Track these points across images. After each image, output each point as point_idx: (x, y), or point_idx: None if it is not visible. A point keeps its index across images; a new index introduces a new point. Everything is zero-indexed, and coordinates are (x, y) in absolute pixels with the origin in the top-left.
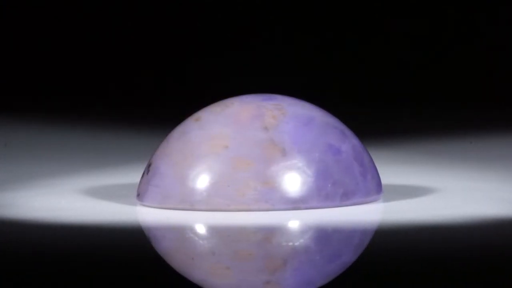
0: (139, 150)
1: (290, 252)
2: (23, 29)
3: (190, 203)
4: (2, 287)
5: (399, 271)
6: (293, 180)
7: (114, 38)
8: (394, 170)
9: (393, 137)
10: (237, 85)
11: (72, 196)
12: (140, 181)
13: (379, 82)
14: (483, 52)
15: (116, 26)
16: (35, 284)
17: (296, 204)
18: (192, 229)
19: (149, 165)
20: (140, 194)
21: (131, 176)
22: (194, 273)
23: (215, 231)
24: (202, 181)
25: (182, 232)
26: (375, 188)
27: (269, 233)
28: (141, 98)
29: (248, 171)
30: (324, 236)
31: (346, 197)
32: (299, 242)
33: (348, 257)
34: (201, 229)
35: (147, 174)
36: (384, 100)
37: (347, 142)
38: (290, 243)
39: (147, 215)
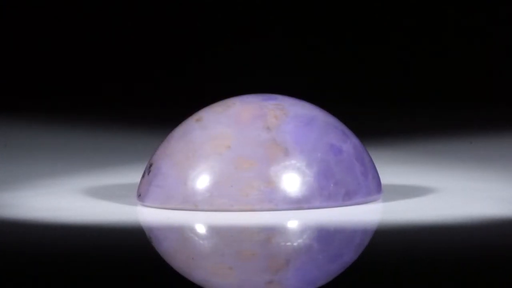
0: (139, 150)
1: (292, 252)
2: (23, 29)
3: (193, 203)
4: (2, 287)
5: (399, 271)
6: (296, 180)
7: (114, 38)
8: (394, 170)
9: (393, 137)
10: (237, 85)
11: (72, 196)
12: (141, 182)
13: (379, 82)
14: (483, 52)
15: (116, 26)
16: (35, 284)
17: (299, 204)
18: (195, 230)
19: (150, 166)
20: (142, 195)
21: (131, 176)
22: (197, 273)
23: (219, 231)
24: (205, 181)
25: (185, 232)
26: (375, 188)
27: (272, 233)
28: (141, 98)
29: (251, 171)
30: (326, 236)
31: (348, 197)
32: (301, 242)
33: (349, 257)
34: (204, 229)
35: (148, 174)
36: (384, 100)
37: (348, 142)
38: (293, 243)
39: (149, 215)
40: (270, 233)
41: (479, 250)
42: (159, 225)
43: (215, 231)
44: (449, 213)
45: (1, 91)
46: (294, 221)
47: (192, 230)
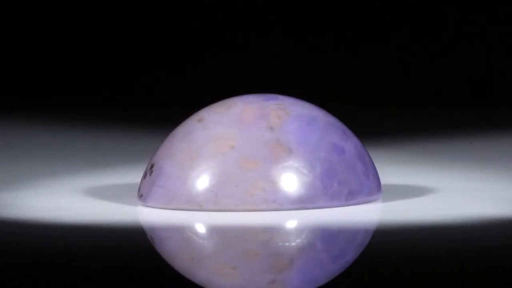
0: (139, 150)
1: (295, 251)
2: (23, 29)
3: (197, 203)
4: (2, 287)
5: (399, 271)
6: (301, 180)
7: (114, 38)
8: (394, 170)
9: (393, 137)
10: (236, 85)
11: (72, 196)
12: (142, 182)
13: (379, 82)
14: (483, 52)
15: (116, 26)
16: (35, 284)
17: (303, 204)
18: (199, 230)
19: (151, 166)
20: (144, 195)
21: (131, 176)
22: (201, 273)
23: (223, 231)
24: (209, 181)
25: (188, 232)
26: (376, 188)
27: (276, 233)
28: (141, 98)
29: (255, 171)
30: (328, 236)
31: (351, 196)
32: (304, 242)
33: (350, 257)
34: (209, 229)
35: (150, 175)
36: (384, 100)
37: (349, 142)
38: (296, 243)
39: (149, 215)
40: (274, 233)
41: (479, 250)
42: (160, 225)
43: (220, 231)
44: (449, 213)
45: (1, 91)
46: (297, 221)
47: (196, 230)
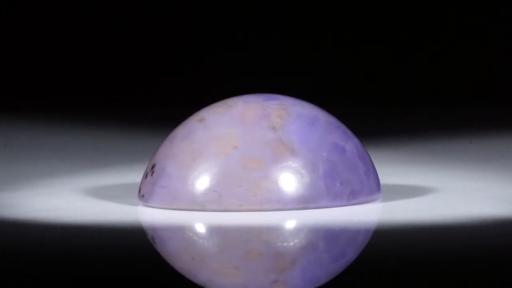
0: (139, 150)
1: (298, 251)
2: (23, 29)
3: (201, 203)
4: (2, 287)
5: (398, 271)
6: (303, 180)
7: (114, 38)
8: (393, 170)
9: (393, 137)
10: (236, 85)
11: (72, 196)
12: (143, 182)
13: (379, 82)
14: (483, 52)
15: (116, 26)
16: (35, 284)
17: (306, 204)
18: (202, 230)
19: (152, 166)
20: (145, 195)
21: (131, 176)
22: (204, 273)
23: (227, 231)
24: (213, 181)
25: (191, 233)
26: (376, 187)
27: (279, 233)
28: (141, 98)
29: (259, 171)
30: (328, 236)
31: (353, 196)
32: (306, 241)
33: (350, 257)
34: (213, 229)
35: (151, 175)
36: (384, 100)
37: (349, 141)
38: (298, 243)
39: (152, 216)
40: (276, 233)
41: (479, 250)
42: (162, 226)
43: (224, 231)
44: (449, 213)
45: (1, 91)
46: (300, 221)
47: (198, 230)
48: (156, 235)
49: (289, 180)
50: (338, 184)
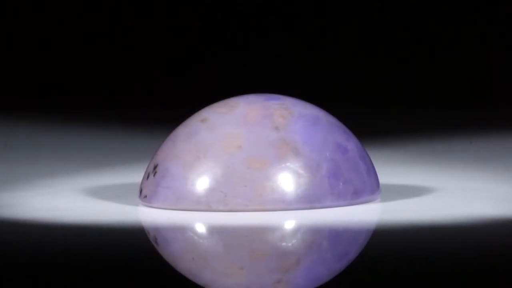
0: (139, 150)
1: (301, 251)
2: (23, 29)
3: (206, 204)
4: (2, 287)
5: (398, 271)
6: (308, 180)
7: (114, 38)
8: (394, 170)
9: (393, 137)
10: (236, 85)
11: (72, 196)
12: (145, 183)
13: (379, 82)
14: (483, 52)
15: (116, 26)
16: (35, 284)
17: (311, 203)
18: (209, 230)
19: (154, 167)
20: (148, 196)
21: (131, 176)
22: (208, 273)
23: (233, 231)
24: (218, 181)
25: (196, 233)
26: (376, 186)
27: (283, 233)
28: (141, 98)
29: (263, 171)
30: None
31: (356, 195)
32: (310, 241)
33: (351, 257)
34: (218, 229)
35: (154, 175)
36: (384, 100)
37: (351, 141)
38: (301, 243)
39: (153, 216)
40: (281, 232)
41: (479, 250)
42: (164, 226)
43: (229, 231)
44: (449, 213)
45: (1, 91)
46: (303, 221)
47: (204, 230)
48: (159, 235)
49: (294, 180)
50: (341, 184)
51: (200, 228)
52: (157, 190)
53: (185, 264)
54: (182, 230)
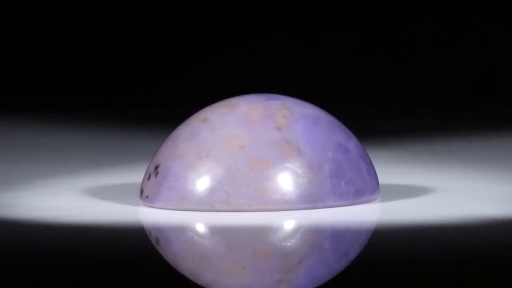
0: (139, 150)
1: (303, 251)
2: (23, 29)
3: (210, 204)
4: (2, 287)
5: (398, 271)
6: (310, 180)
7: (114, 38)
8: (393, 170)
9: (393, 137)
10: (236, 85)
11: (72, 196)
12: (146, 183)
13: (379, 82)
14: (483, 52)
15: (116, 26)
16: (35, 284)
17: (314, 203)
18: (211, 230)
19: (156, 167)
20: (150, 196)
21: (131, 176)
22: (210, 273)
23: (236, 231)
24: (222, 182)
25: (199, 233)
26: (376, 186)
27: (285, 233)
28: (141, 98)
29: (266, 171)
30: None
31: (357, 195)
32: (311, 241)
33: (351, 257)
34: (222, 230)
35: (155, 176)
36: (384, 100)
37: (351, 141)
38: (303, 243)
39: (154, 216)
40: (282, 232)
41: (479, 250)
42: (164, 226)
43: (232, 231)
44: (449, 213)
45: (1, 91)
46: (305, 221)
47: (207, 230)
48: (160, 235)
49: (296, 180)
50: (343, 184)
51: (203, 229)
52: (159, 190)
53: (188, 264)
54: (184, 230)
